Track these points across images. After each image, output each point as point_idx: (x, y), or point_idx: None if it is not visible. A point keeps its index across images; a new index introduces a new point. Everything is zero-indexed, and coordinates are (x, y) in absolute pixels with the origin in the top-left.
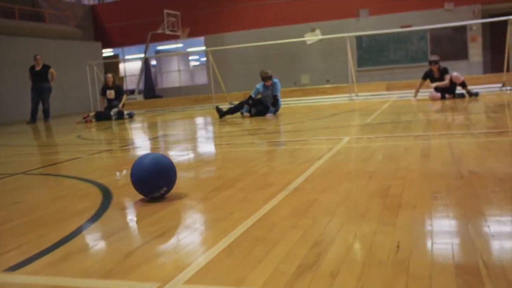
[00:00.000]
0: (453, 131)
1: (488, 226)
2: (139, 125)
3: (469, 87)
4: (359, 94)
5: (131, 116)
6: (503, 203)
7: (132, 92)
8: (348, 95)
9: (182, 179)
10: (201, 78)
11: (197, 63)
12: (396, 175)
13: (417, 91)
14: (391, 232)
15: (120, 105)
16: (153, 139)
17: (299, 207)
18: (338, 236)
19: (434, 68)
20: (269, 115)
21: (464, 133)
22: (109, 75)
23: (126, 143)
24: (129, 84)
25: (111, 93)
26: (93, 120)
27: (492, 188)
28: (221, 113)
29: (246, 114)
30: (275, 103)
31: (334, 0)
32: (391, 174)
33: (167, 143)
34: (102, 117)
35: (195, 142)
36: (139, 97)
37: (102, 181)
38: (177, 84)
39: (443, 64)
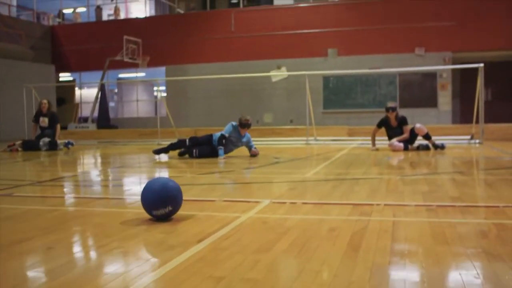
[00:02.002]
0: (404, 201)
1: None
2: (62, 159)
3: (437, 137)
4: (319, 138)
5: (67, 146)
6: None
7: (85, 120)
8: (303, 138)
9: None
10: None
11: (164, 94)
12: None
13: (374, 140)
14: None
15: (56, 137)
16: (42, 182)
17: None
18: None
19: (391, 116)
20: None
21: (417, 206)
22: (44, 101)
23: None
24: (85, 111)
25: (44, 121)
26: (19, 149)
27: None
28: (157, 152)
29: (221, 157)
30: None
31: (302, 37)
32: None
33: (44, 190)
34: (29, 146)
35: (78, 192)
36: (92, 126)
37: None
38: (138, 115)
39: (413, 112)
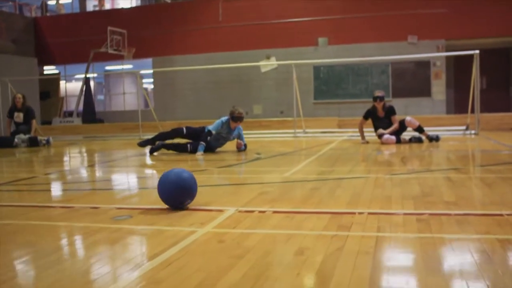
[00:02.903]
0: (392, 207)
1: None
2: (32, 158)
3: (431, 128)
4: (308, 130)
5: (48, 143)
6: None
7: (71, 114)
8: (292, 131)
9: None
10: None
11: (150, 86)
12: None
13: (362, 133)
14: None
15: (32, 132)
16: None
17: None
18: None
19: (379, 105)
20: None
21: (407, 215)
22: (18, 95)
23: None
24: (72, 105)
25: (19, 116)
26: None
27: None
28: (143, 144)
29: (200, 153)
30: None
31: (291, 26)
32: None
33: None
34: (3, 143)
35: (27, 198)
36: (77, 121)
37: None
38: (127, 108)
39: (406, 101)
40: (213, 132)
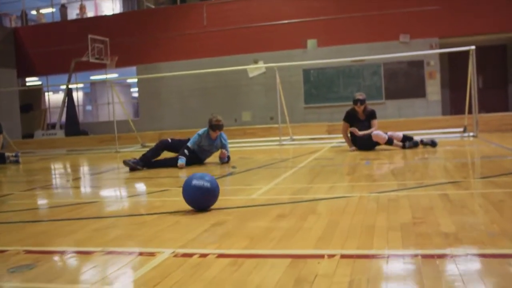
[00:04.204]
0: (373, 245)
1: None
2: None
3: (427, 131)
4: (295, 137)
5: (17, 159)
6: None
7: (53, 127)
8: (278, 138)
9: None
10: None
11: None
12: None
13: (348, 139)
14: None
15: None
16: None
17: None
18: None
19: (359, 109)
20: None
21: (392, 257)
22: None
23: None
24: (54, 117)
25: None
26: None
27: None
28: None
29: (181, 163)
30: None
31: (279, 29)
32: None
33: None
34: None
35: None
36: (60, 133)
37: None
38: (113, 118)
39: (400, 103)
40: (190, 146)
